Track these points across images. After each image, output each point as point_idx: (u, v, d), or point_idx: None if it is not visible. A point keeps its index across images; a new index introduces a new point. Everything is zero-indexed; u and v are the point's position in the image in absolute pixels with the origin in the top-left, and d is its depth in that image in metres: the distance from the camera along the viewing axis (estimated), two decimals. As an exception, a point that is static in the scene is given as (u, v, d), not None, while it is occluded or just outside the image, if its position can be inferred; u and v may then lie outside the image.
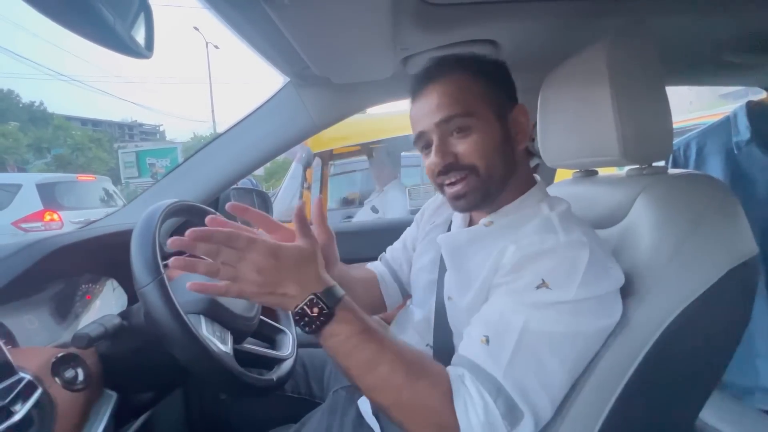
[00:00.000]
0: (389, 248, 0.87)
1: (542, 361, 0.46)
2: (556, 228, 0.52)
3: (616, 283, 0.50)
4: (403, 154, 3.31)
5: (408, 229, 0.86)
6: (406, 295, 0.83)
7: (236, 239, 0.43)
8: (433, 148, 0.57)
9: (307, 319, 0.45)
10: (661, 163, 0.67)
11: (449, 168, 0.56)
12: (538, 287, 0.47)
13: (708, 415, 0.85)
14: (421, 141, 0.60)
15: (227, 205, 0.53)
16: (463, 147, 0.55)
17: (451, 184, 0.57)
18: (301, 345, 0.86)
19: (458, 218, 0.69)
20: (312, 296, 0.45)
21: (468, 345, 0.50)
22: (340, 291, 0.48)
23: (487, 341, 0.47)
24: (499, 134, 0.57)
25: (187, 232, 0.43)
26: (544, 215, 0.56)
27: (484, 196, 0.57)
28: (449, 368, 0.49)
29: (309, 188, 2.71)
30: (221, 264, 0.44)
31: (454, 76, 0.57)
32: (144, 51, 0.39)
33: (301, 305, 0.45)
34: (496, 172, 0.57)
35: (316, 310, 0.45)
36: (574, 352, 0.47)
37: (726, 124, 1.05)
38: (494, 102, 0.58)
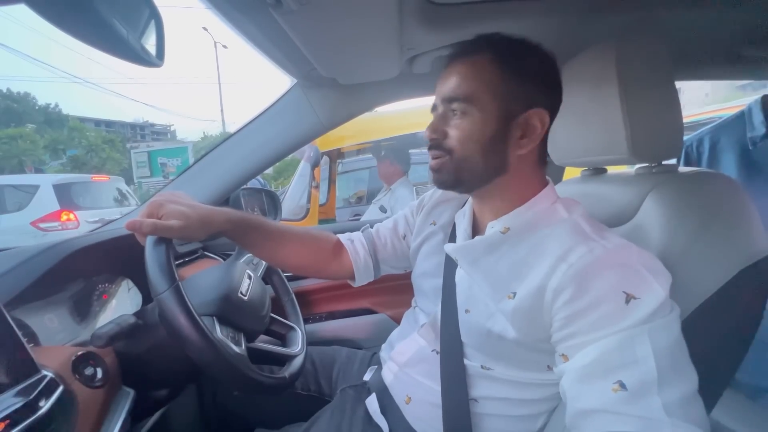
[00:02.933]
0: (378, 224, 0.85)
1: (685, 371, 0.42)
2: (590, 234, 0.50)
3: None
4: (411, 151, 3.31)
5: (402, 212, 0.83)
6: (379, 274, 0.83)
7: None
8: (431, 121, 0.59)
9: None
10: (672, 161, 0.66)
11: (434, 144, 0.58)
12: (627, 302, 0.44)
13: (721, 414, 0.84)
14: (434, 112, 0.62)
15: None
16: (453, 129, 0.56)
17: (434, 157, 0.59)
18: (310, 342, 0.88)
19: (463, 222, 0.66)
20: None
21: (594, 416, 0.42)
22: None
23: (623, 386, 0.41)
24: (492, 130, 0.54)
25: None
26: (567, 219, 0.54)
27: (457, 182, 0.58)
28: None
29: (317, 187, 2.73)
30: None
31: (476, 58, 0.55)
32: (155, 60, 0.41)
33: None
34: (470, 165, 0.56)
35: None
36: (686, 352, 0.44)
37: (740, 119, 1.02)
38: (505, 96, 0.54)
